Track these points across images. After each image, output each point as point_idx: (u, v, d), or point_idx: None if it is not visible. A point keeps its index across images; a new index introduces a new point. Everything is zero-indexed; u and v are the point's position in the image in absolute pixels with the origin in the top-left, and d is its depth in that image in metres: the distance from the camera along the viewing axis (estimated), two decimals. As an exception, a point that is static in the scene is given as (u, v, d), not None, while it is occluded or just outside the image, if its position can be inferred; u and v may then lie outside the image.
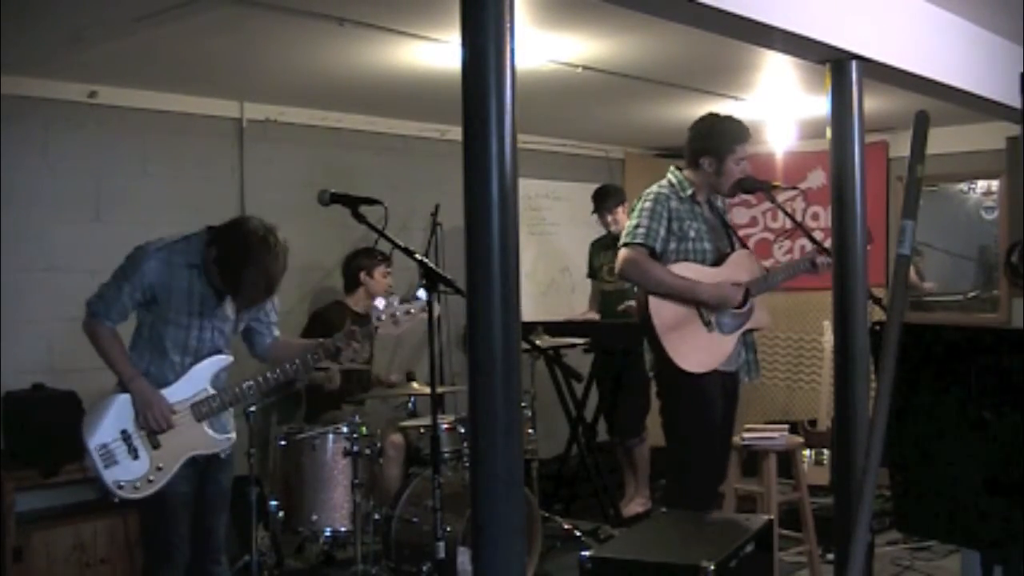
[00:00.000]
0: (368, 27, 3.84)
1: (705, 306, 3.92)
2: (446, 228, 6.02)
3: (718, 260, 4.04)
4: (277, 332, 3.72)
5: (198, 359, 3.40)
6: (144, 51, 4.15)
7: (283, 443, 4.55)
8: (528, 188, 6.48)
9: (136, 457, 3.28)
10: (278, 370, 3.50)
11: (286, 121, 5.50)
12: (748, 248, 4.28)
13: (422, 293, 3.55)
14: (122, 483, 3.26)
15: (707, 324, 3.94)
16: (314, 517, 4.43)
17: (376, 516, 4.51)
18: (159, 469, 3.29)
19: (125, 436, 3.29)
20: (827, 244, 3.70)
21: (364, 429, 4.49)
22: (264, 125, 5.43)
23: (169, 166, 5.06)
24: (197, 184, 5.19)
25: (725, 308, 3.92)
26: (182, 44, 4.09)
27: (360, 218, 3.57)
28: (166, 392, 3.33)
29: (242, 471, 4.56)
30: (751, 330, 4.08)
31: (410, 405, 5.22)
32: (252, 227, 3.37)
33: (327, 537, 4.52)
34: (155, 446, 3.30)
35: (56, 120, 4.70)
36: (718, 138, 4.04)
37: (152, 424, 3.28)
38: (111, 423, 3.28)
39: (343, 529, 4.44)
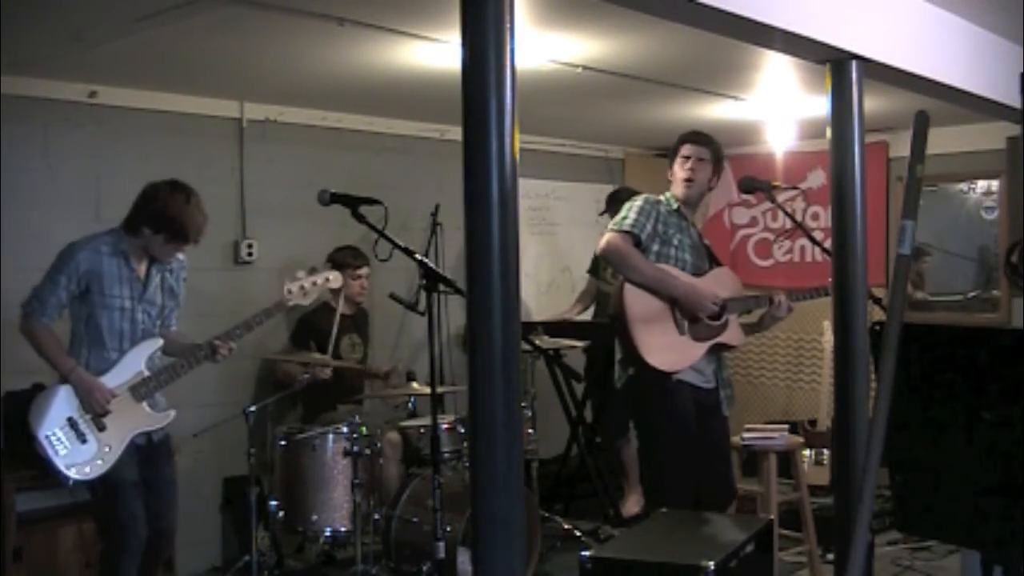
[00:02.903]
0: (368, 27, 3.84)
1: (677, 304, 3.93)
2: (446, 228, 6.02)
3: (699, 272, 4.08)
4: (175, 326, 3.97)
5: (133, 344, 3.70)
6: (144, 51, 4.15)
7: (283, 443, 4.55)
8: (528, 188, 6.48)
9: (84, 441, 3.60)
10: (193, 356, 3.77)
11: (286, 121, 5.50)
12: (725, 267, 4.30)
13: (333, 277, 4.04)
14: (73, 467, 3.57)
15: (679, 325, 3.95)
16: (314, 517, 4.44)
17: (376, 516, 4.51)
18: (107, 449, 3.60)
19: (71, 423, 3.60)
20: (827, 244, 3.70)
21: (364, 429, 4.49)
22: (264, 125, 5.42)
23: (169, 166, 5.03)
24: (197, 184, 5.09)
25: (696, 312, 3.93)
26: (182, 44, 4.09)
27: (360, 218, 3.59)
28: (105, 378, 3.63)
29: (242, 471, 4.58)
30: (724, 346, 4.07)
31: (410, 405, 5.22)
32: (158, 184, 3.75)
33: (327, 537, 4.53)
34: (100, 428, 3.61)
35: (56, 120, 4.70)
36: (673, 149, 4.21)
37: (95, 407, 3.59)
38: (57, 412, 3.59)
39: (343, 529, 4.44)
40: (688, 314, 3.95)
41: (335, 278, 4.05)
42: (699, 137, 4.17)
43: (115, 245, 3.68)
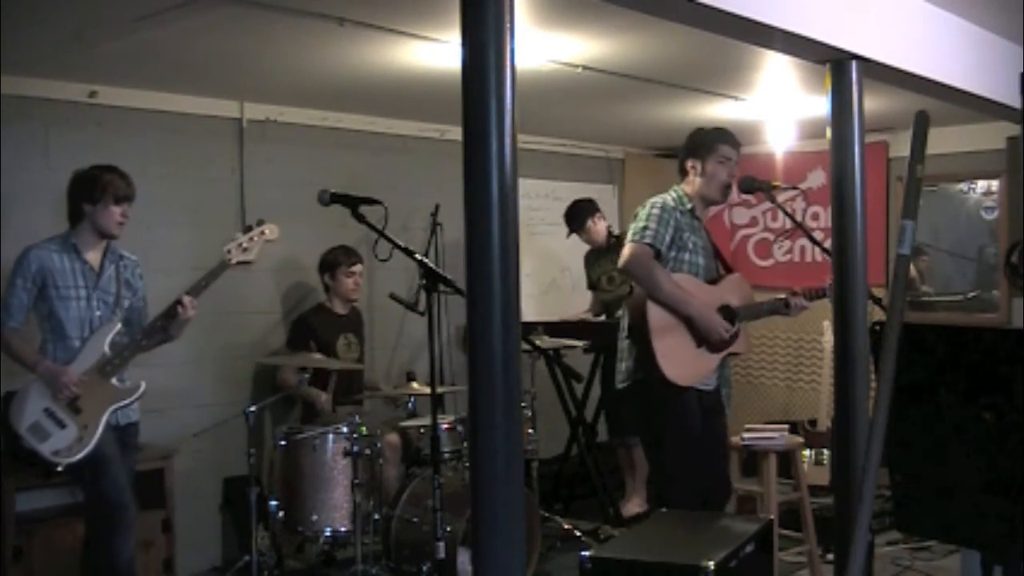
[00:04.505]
0: (368, 27, 3.84)
1: (690, 322, 3.92)
2: (446, 228, 6.02)
3: (713, 279, 4.08)
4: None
5: (92, 330, 3.85)
6: (144, 51, 4.15)
7: (283, 443, 4.55)
8: (528, 188, 6.48)
9: (63, 426, 3.74)
10: (162, 317, 3.92)
11: (286, 121, 5.50)
12: (737, 273, 4.29)
13: (269, 229, 4.14)
14: (58, 450, 3.72)
15: (695, 338, 3.95)
16: (314, 517, 4.43)
17: (376, 516, 4.51)
18: (86, 428, 3.75)
19: (48, 412, 3.74)
20: (827, 244, 3.70)
21: (364, 429, 4.49)
22: (264, 125, 5.43)
23: (169, 166, 5.06)
24: (197, 184, 5.19)
25: (707, 333, 3.93)
26: (182, 44, 4.09)
27: (360, 218, 3.60)
28: (72, 366, 3.78)
29: (242, 471, 4.58)
30: (732, 354, 4.11)
31: (410, 405, 5.22)
32: (76, 172, 3.93)
33: (327, 537, 4.52)
34: (76, 411, 3.76)
35: (56, 120, 4.70)
36: (699, 141, 4.14)
37: (64, 391, 3.73)
38: (33, 406, 3.74)
39: (343, 529, 4.44)
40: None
41: (271, 230, 4.14)
42: (734, 138, 4.13)
43: (64, 242, 3.88)
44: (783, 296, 4.18)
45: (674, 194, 4.10)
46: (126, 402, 3.88)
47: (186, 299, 3.89)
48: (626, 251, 4.01)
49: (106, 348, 3.84)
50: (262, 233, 4.12)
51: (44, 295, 3.81)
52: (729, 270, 4.28)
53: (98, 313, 3.88)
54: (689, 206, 4.07)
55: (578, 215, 6.11)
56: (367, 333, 5.54)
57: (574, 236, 6.20)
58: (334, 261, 5.30)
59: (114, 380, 3.85)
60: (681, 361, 3.92)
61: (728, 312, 4.03)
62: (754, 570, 3.15)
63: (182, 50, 4.19)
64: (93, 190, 3.84)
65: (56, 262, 3.82)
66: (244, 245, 4.07)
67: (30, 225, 4.52)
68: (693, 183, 4.11)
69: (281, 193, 5.39)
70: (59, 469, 3.75)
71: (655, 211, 4.00)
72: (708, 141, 4.10)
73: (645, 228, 3.97)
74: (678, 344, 3.93)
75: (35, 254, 3.81)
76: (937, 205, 6.47)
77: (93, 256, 3.91)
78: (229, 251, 4.05)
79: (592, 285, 6.30)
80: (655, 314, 3.93)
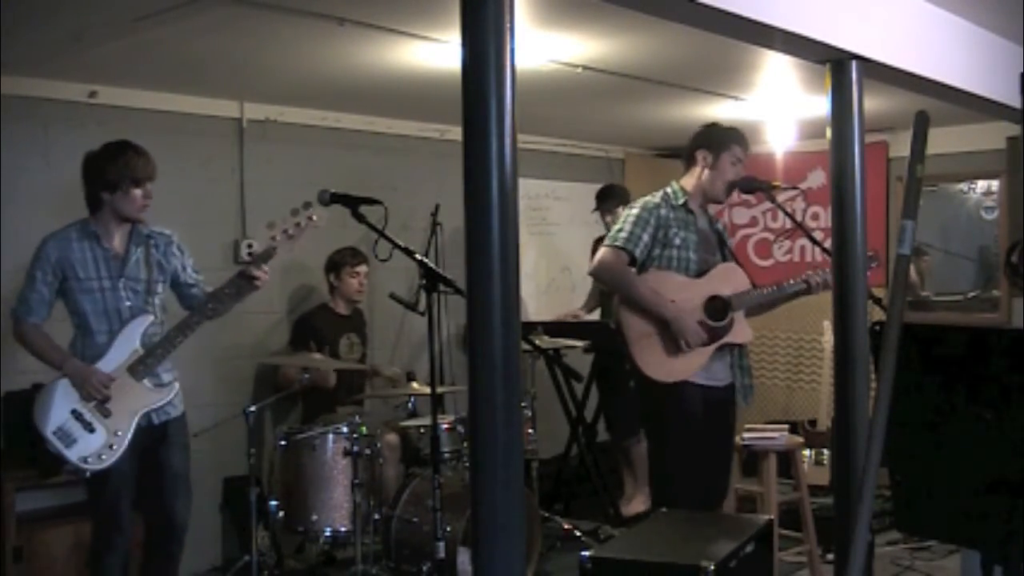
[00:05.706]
0: (368, 27, 3.84)
1: (665, 325, 3.90)
2: (446, 228, 6.02)
3: (701, 272, 4.03)
4: (206, 288, 3.84)
5: (122, 324, 3.61)
6: (144, 51, 4.16)
7: (283, 443, 4.55)
8: (528, 188, 6.48)
9: (92, 431, 3.53)
10: (198, 312, 3.69)
11: (286, 121, 5.50)
12: (738, 262, 4.23)
13: (318, 215, 3.71)
14: (87, 457, 3.51)
15: (674, 339, 3.90)
16: (314, 517, 4.43)
17: (376, 516, 4.51)
18: (117, 434, 3.54)
19: (76, 415, 3.54)
20: (827, 244, 3.69)
21: (364, 429, 4.49)
22: (264, 125, 5.42)
23: (169, 166, 5.01)
24: (197, 184, 5.19)
25: (680, 336, 3.88)
26: (182, 44, 4.09)
27: (360, 218, 3.60)
28: (101, 363, 3.57)
29: (242, 471, 4.58)
30: (733, 345, 4.04)
31: (410, 405, 5.23)
32: (90, 153, 3.70)
33: (327, 537, 4.53)
34: (106, 415, 3.55)
35: (56, 120, 4.70)
36: (716, 135, 4.13)
37: (95, 394, 3.52)
38: (60, 406, 3.54)
39: (343, 529, 4.44)
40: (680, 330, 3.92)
41: (319, 214, 3.71)
42: (746, 141, 4.13)
43: (84, 229, 3.63)
44: (803, 276, 4.06)
45: (668, 189, 4.09)
46: (156, 405, 3.63)
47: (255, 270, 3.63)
48: (597, 256, 4.02)
49: (138, 344, 3.60)
50: (309, 218, 3.68)
51: (66, 288, 3.58)
52: (736, 261, 4.23)
53: (127, 304, 3.62)
54: (681, 200, 4.04)
55: (613, 196, 6.03)
56: (368, 332, 5.54)
57: (575, 234, 6.18)
58: (340, 261, 5.31)
59: (146, 380, 3.61)
60: (665, 360, 3.91)
61: (719, 303, 3.97)
62: (754, 570, 3.15)
63: (182, 50, 4.19)
64: (109, 175, 3.59)
65: (76, 251, 3.57)
66: (290, 231, 3.68)
67: (30, 225, 4.51)
68: (697, 176, 4.09)
69: (281, 193, 5.37)
70: (87, 476, 3.55)
71: (633, 212, 4.01)
72: (724, 138, 4.10)
73: (620, 231, 3.97)
74: (660, 344, 3.91)
75: (53, 244, 3.58)
76: (937, 205, 6.47)
77: (117, 242, 3.66)
78: (274, 238, 3.68)
79: None
80: (630, 318, 3.94)
